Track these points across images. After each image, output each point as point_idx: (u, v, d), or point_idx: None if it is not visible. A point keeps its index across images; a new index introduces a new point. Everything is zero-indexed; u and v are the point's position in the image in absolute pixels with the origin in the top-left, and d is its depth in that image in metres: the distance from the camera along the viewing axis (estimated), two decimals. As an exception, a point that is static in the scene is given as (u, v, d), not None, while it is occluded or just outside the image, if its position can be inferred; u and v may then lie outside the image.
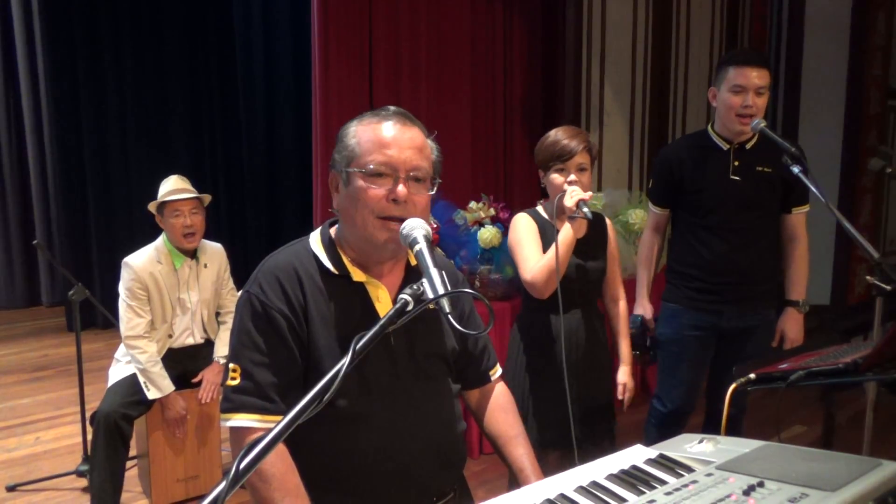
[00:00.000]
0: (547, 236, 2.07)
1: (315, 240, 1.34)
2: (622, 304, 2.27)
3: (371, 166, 1.22)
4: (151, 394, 2.65)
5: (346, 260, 1.30)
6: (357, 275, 1.30)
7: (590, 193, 1.97)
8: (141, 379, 2.66)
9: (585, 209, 1.91)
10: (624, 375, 2.23)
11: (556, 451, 2.10)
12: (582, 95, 4.57)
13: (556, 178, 2.01)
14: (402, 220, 1.18)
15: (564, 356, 1.95)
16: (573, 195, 1.93)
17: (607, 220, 2.23)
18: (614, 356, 2.28)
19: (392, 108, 1.30)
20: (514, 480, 2.02)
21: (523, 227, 2.09)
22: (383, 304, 1.31)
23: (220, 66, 6.43)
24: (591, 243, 2.11)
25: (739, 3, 5.45)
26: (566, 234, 1.94)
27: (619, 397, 2.23)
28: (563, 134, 2.01)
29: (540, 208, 2.18)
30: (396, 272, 1.36)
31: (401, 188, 1.22)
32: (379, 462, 1.27)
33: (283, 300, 1.24)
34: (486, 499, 1.00)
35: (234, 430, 1.24)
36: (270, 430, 0.84)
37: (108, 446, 2.56)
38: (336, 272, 1.29)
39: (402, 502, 1.30)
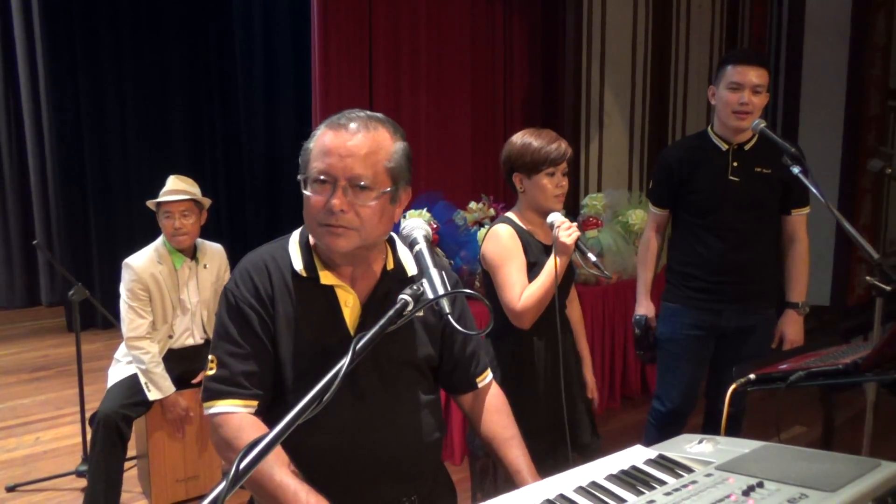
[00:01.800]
0: (530, 248, 2.00)
1: (294, 239, 1.34)
2: (576, 304, 2.26)
3: (312, 174, 1.21)
4: (152, 395, 2.65)
5: (317, 262, 1.30)
6: (326, 278, 1.29)
7: (577, 231, 1.87)
8: (142, 379, 2.66)
9: (592, 257, 1.81)
10: (587, 370, 2.24)
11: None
12: (582, 96, 4.57)
13: (547, 182, 1.96)
14: (344, 228, 1.19)
15: (563, 383, 1.91)
16: (571, 234, 1.84)
17: None
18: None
19: (357, 112, 1.25)
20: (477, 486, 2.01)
21: (509, 245, 1.96)
22: (351, 310, 1.30)
23: (220, 66, 6.43)
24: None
25: (739, 3, 5.45)
26: (559, 266, 1.86)
27: (590, 396, 2.22)
28: (546, 138, 1.97)
29: (514, 217, 2.06)
30: (369, 277, 1.33)
31: (335, 199, 1.18)
32: (330, 465, 1.27)
33: (253, 294, 1.27)
34: (484, 499, 1.00)
35: (213, 416, 1.26)
36: (268, 431, 0.84)
37: (106, 447, 2.56)
38: (304, 274, 1.29)
39: None
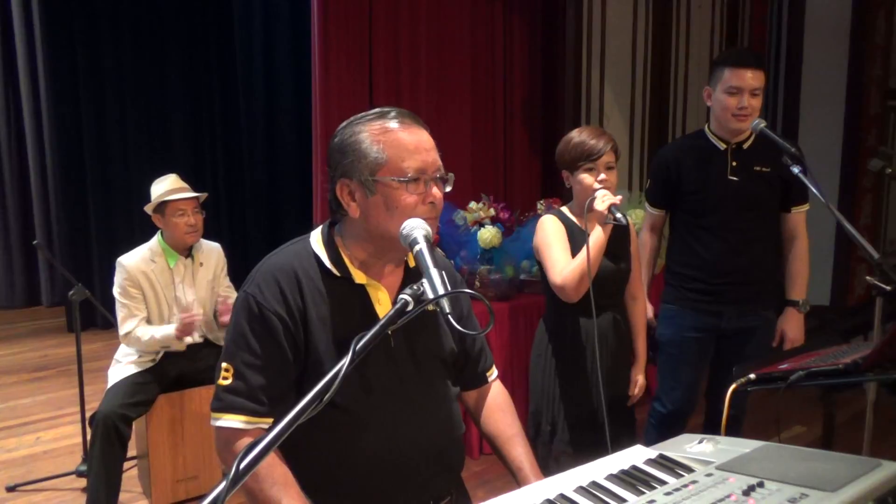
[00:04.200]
0: (574, 238, 2.06)
1: (316, 240, 1.32)
2: (640, 302, 2.30)
3: (410, 174, 1.21)
4: (176, 345, 2.73)
5: (347, 261, 1.29)
6: (358, 276, 1.29)
7: (620, 197, 1.95)
8: (158, 350, 2.71)
9: (619, 214, 1.90)
10: (637, 371, 2.26)
11: (588, 454, 2.10)
12: (582, 96, 4.56)
13: (585, 177, 1.99)
14: (434, 220, 1.22)
15: (598, 360, 1.96)
16: (604, 199, 1.92)
17: (629, 219, 2.23)
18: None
19: (393, 109, 1.28)
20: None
21: (551, 230, 2.07)
22: (383, 306, 1.30)
23: (220, 66, 6.43)
24: (617, 243, 2.10)
25: (739, 4, 5.45)
26: (598, 236, 1.93)
27: (630, 393, 2.24)
28: (589, 134, 2.01)
29: (565, 210, 2.16)
30: (396, 274, 1.35)
31: (436, 191, 1.24)
32: (377, 464, 1.27)
33: (281, 303, 1.24)
34: (485, 499, 1.00)
35: (220, 429, 1.24)
36: (268, 431, 0.84)
37: (105, 447, 2.56)
38: (338, 274, 1.28)
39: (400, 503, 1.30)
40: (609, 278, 2.08)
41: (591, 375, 2.09)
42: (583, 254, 1.92)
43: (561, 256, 2.01)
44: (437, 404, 1.36)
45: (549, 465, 2.09)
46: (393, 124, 1.24)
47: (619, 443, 2.03)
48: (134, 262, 2.73)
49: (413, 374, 1.31)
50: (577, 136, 2.03)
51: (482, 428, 1.50)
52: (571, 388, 2.11)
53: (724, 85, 2.27)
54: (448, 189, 1.28)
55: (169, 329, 2.71)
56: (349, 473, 1.27)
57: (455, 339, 1.41)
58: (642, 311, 2.31)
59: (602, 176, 1.98)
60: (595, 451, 2.04)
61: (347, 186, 1.25)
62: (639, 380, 2.25)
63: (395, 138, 1.23)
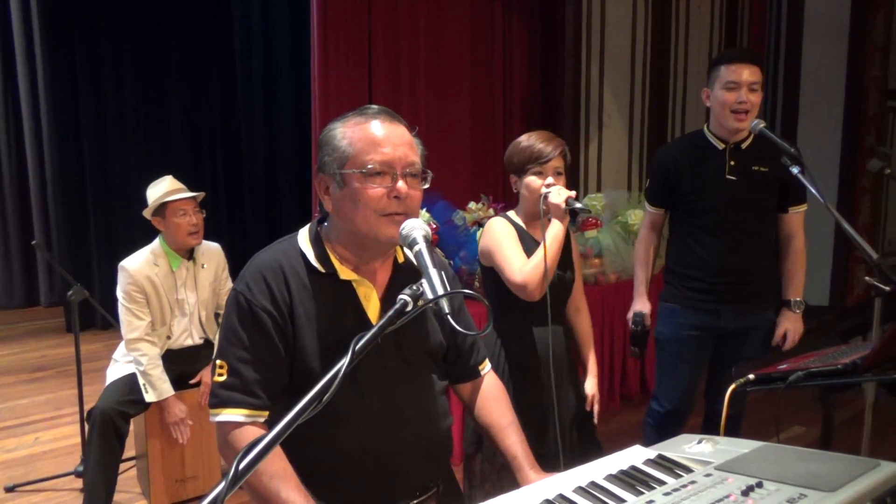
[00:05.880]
0: (525, 242, 2.00)
1: (303, 237, 1.34)
2: (585, 314, 2.23)
3: (370, 166, 1.22)
4: (149, 396, 2.64)
5: (333, 258, 1.30)
6: (344, 273, 1.30)
7: (574, 192, 1.91)
8: (141, 381, 2.65)
9: (578, 204, 1.85)
10: (592, 387, 2.17)
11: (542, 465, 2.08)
12: (581, 95, 4.57)
13: (533, 180, 1.95)
14: (404, 216, 1.21)
15: (552, 368, 1.91)
16: (560, 193, 1.88)
17: (572, 231, 2.18)
18: (579, 365, 2.25)
19: (375, 106, 1.30)
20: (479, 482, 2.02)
21: (501, 230, 2.00)
22: (371, 303, 1.31)
23: (220, 66, 6.43)
24: (562, 253, 2.01)
25: (739, 4, 5.46)
26: (556, 229, 1.88)
27: (588, 408, 2.16)
28: (538, 138, 1.98)
29: (512, 214, 2.10)
30: (384, 270, 1.35)
31: (402, 185, 1.23)
32: (364, 457, 1.28)
33: (269, 298, 1.25)
34: (485, 499, 1.00)
35: (220, 424, 1.25)
36: (268, 430, 0.84)
37: (102, 443, 2.55)
38: (323, 270, 1.29)
39: (386, 496, 1.31)
40: (553, 288, 1.97)
41: (541, 385, 2.02)
42: (540, 249, 1.87)
43: (516, 255, 1.93)
44: (424, 398, 1.36)
45: (492, 479, 1.99)
46: (367, 119, 1.26)
47: (584, 456, 1.99)
48: (137, 265, 2.72)
49: (400, 369, 1.32)
50: (525, 140, 1.99)
51: (476, 419, 1.50)
52: (523, 398, 1.96)
53: (721, 82, 2.28)
54: (425, 186, 1.29)
55: (165, 388, 2.66)
56: (334, 466, 1.27)
57: (445, 334, 1.41)
58: (588, 322, 2.24)
59: (550, 180, 1.94)
60: (548, 461, 2.02)
61: (323, 181, 1.29)
62: (594, 395, 2.16)
63: (364, 132, 1.24)
